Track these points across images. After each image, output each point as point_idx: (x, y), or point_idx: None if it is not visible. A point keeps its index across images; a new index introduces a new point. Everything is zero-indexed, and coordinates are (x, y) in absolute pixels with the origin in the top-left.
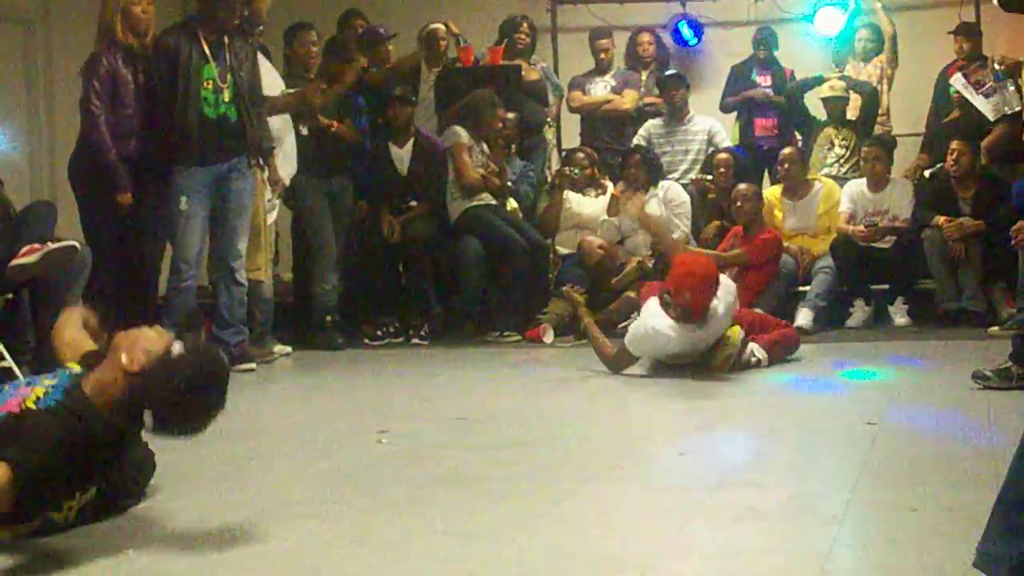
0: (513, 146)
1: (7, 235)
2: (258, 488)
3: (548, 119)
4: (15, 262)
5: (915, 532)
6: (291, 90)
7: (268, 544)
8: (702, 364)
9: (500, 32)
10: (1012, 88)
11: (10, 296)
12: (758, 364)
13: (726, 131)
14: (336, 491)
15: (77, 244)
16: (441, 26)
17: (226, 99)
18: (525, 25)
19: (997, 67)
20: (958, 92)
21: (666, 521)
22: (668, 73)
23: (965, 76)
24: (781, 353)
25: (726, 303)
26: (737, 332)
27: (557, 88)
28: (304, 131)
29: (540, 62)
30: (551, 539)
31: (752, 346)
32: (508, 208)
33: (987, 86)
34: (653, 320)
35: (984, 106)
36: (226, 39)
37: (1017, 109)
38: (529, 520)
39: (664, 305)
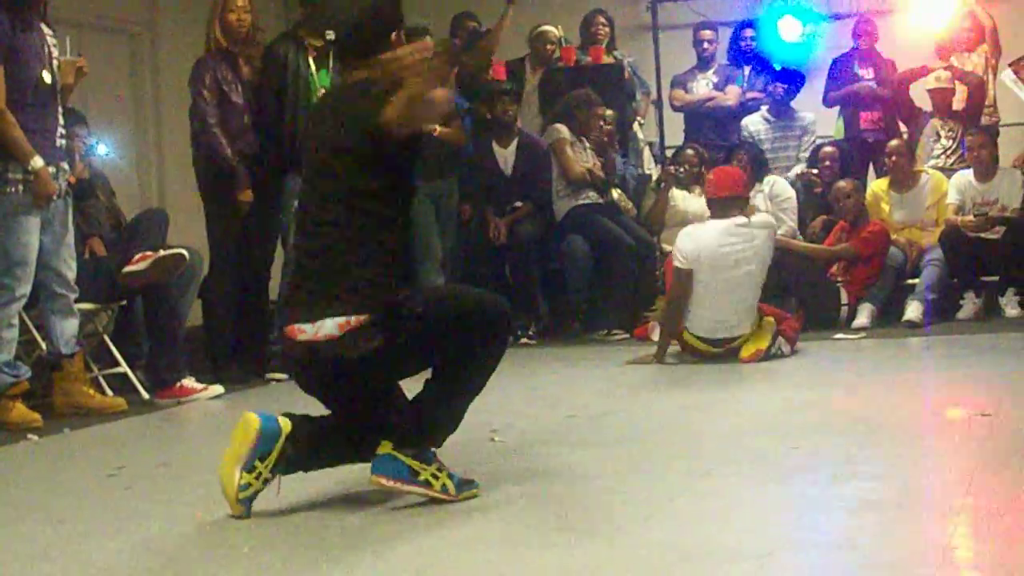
0: (616, 143)
1: (119, 244)
2: (370, 491)
3: (638, 117)
4: (127, 269)
5: None
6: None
7: (384, 546)
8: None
9: (580, 29)
10: None
11: (124, 303)
12: (782, 356)
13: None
14: None
15: (186, 252)
16: (552, 29)
17: None
18: (600, 17)
19: None
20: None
21: (782, 514)
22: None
23: (1016, 71)
24: (793, 345)
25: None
26: (771, 323)
27: (644, 85)
28: None
29: (626, 57)
30: (667, 534)
31: (779, 339)
32: (616, 197)
33: None
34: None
35: None
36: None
37: None
38: (645, 515)
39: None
